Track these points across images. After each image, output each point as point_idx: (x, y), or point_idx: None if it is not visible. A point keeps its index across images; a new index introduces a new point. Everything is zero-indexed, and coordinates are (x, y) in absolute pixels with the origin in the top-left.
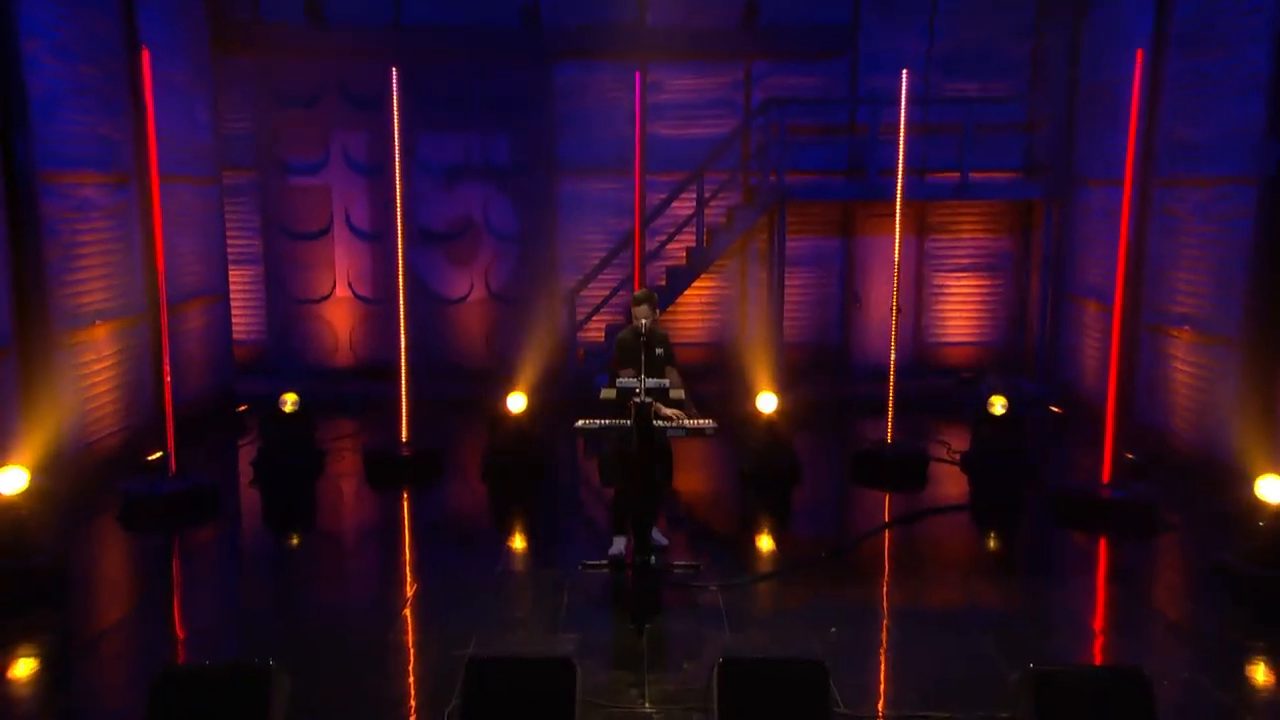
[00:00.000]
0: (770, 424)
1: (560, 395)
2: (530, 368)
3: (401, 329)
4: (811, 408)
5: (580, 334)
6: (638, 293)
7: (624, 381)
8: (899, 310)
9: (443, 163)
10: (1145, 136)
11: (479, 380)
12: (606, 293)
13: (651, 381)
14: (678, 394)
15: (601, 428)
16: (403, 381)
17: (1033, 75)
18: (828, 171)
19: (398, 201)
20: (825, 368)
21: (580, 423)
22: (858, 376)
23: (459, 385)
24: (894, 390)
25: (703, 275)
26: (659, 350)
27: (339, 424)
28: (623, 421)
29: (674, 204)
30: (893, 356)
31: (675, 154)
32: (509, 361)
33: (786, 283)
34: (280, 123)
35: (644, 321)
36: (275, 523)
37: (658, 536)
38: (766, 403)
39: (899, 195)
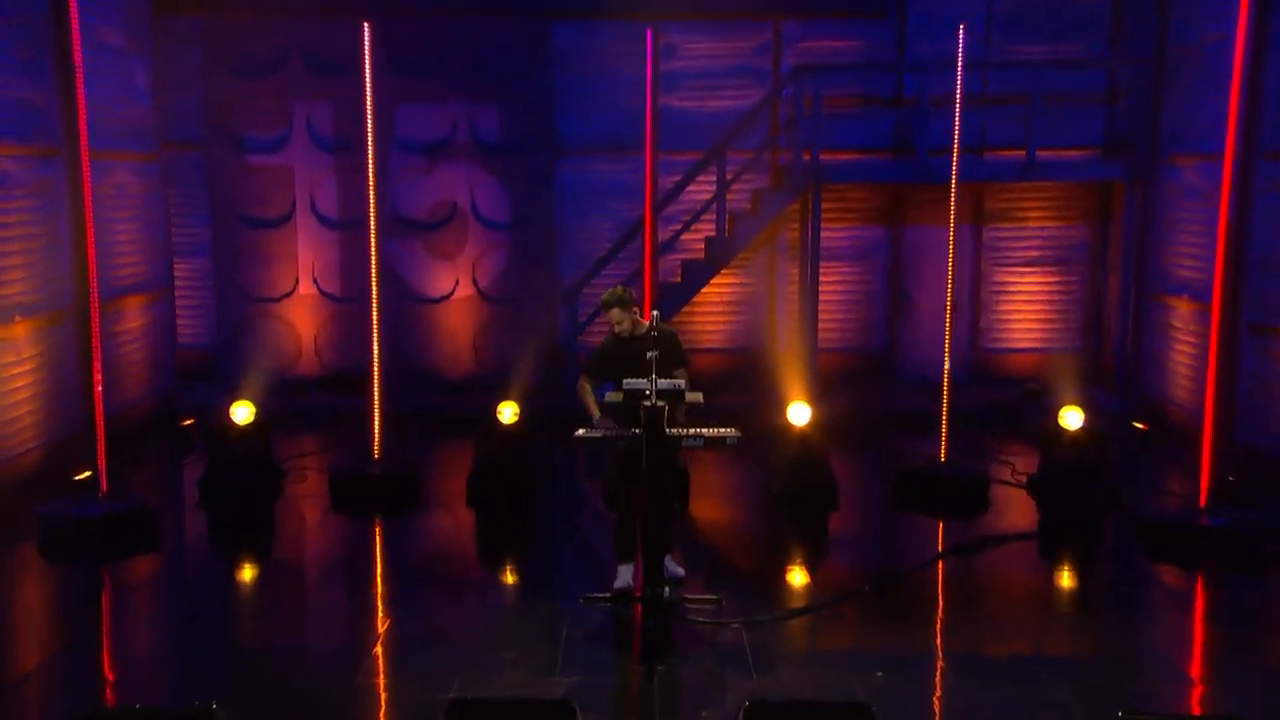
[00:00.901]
0: (803, 439)
1: (558, 408)
2: (524, 377)
3: (374, 332)
4: (850, 422)
5: (582, 338)
6: (603, 297)
7: (631, 383)
8: (954, 307)
9: (423, 139)
10: (1249, 104)
11: (464, 391)
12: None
13: (665, 383)
14: (695, 397)
15: (605, 437)
16: (375, 392)
17: (1113, 35)
18: (870, 150)
19: (371, 184)
20: (867, 377)
21: (580, 432)
22: (905, 387)
23: (441, 397)
24: (948, 401)
25: (724, 270)
26: (654, 353)
27: (301, 440)
28: (629, 431)
29: (691, 188)
30: (946, 363)
31: (692, 129)
32: (499, 370)
33: (822, 279)
34: (233, 92)
35: (622, 327)
36: (224, 552)
37: (672, 567)
38: (799, 414)
39: (954, 177)
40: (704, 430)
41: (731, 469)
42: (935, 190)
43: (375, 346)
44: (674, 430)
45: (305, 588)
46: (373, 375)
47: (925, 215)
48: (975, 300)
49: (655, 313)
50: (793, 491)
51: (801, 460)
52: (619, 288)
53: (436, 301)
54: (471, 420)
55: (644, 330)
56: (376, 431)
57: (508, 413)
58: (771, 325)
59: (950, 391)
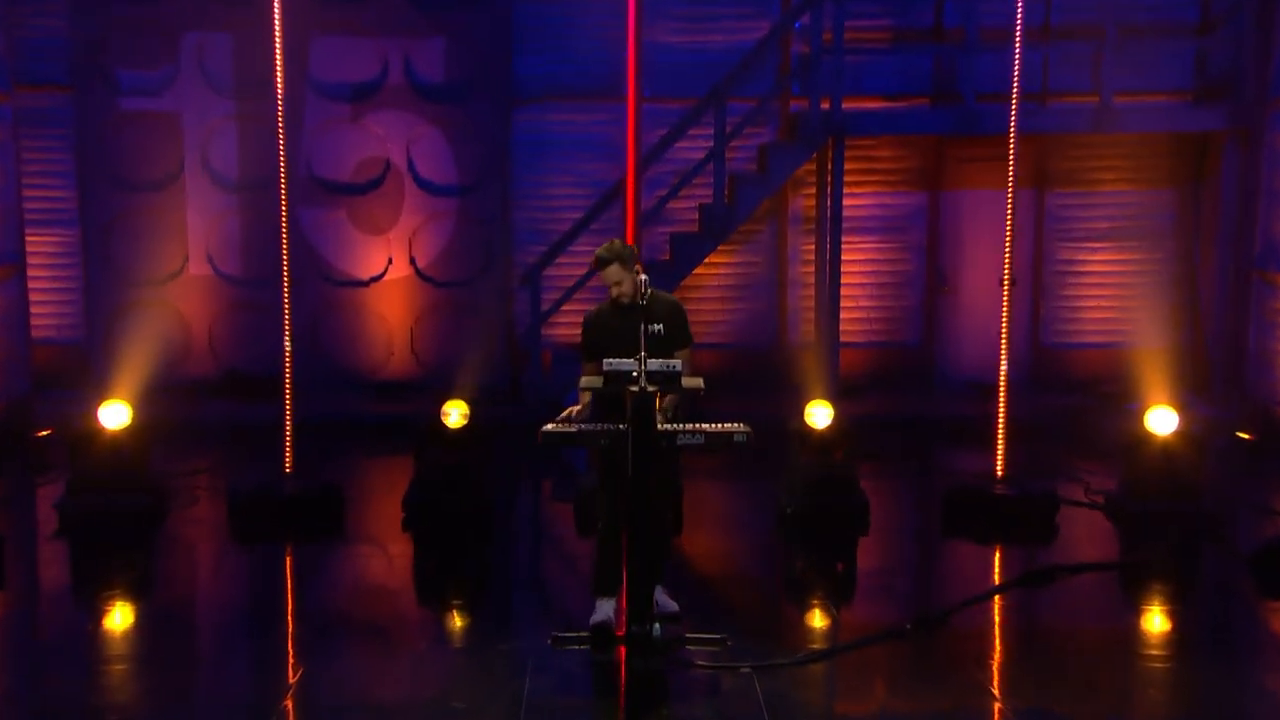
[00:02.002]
0: (825, 448)
1: (517, 417)
2: (474, 379)
3: (285, 323)
4: (881, 431)
5: (547, 330)
6: (598, 252)
7: (613, 362)
8: (1012, 283)
9: (347, 81)
10: None
11: (398, 395)
12: (584, 271)
13: (655, 363)
14: (694, 383)
15: (581, 433)
16: (286, 394)
17: None
18: (903, 96)
19: (280, 137)
20: (899, 378)
21: (549, 427)
22: (946, 390)
23: (369, 403)
24: (1006, 406)
25: (723, 246)
26: (656, 327)
27: (191, 455)
28: (611, 426)
29: (681, 144)
30: (1003, 359)
31: (683, 72)
32: (442, 370)
33: (844, 258)
34: (106, 20)
35: (621, 289)
36: (87, 592)
37: (664, 600)
38: (819, 417)
39: (1011, 128)
40: (704, 425)
41: (736, 484)
42: (984, 145)
43: (287, 341)
44: (667, 425)
45: (191, 637)
46: (284, 376)
47: (971, 177)
48: (1034, 284)
49: (644, 277)
50: (812, 512)
51: (823, 474)
52: (616, 241)
53: (364, 284)
54: (408, 430)
55: (645, 297)
56: (288, 440)
57: (455, 415)
58: (781, 314)
59: (1008, 395)
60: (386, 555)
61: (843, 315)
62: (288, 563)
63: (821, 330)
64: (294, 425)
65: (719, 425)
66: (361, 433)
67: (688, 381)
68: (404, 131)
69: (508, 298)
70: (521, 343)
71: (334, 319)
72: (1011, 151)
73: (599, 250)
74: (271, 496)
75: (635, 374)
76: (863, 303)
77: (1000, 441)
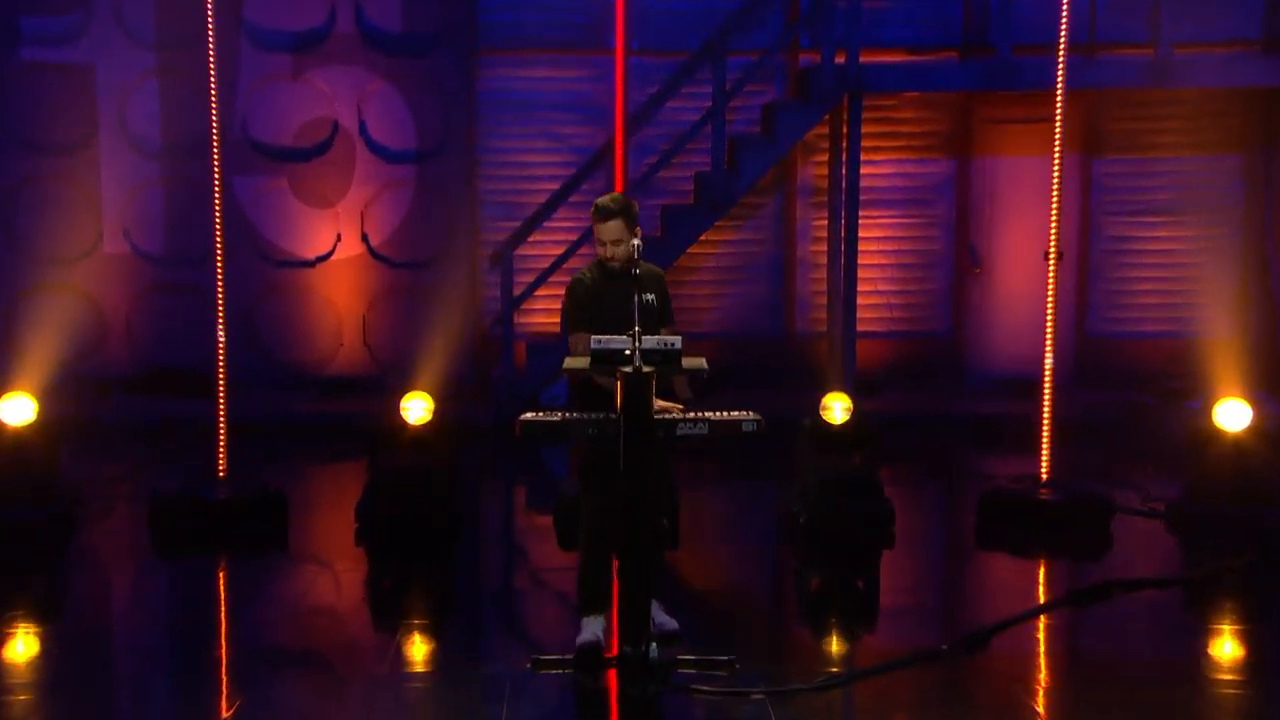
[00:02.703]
0: (842, 447)
1: (486, 416)
2: (435, 374)
3: (219, 309)
4: (903, 431)
5: (520, 319)
6: (601, 201)
7: (604, 340)
8: (1059, 256)
9: (289, 30)
10: None
11: (349, 392)
12: (561, 250)
13: (652, 340)
14: (696, 363)
15: (566, 421)
16: (220, 389)
17: None
18: (929, 49)
19: (211, 94)
20: (924, 372)
21: (528, 416)
22: (977, 384)
23: (315, 401)
24: (1051, 399)
25: (722, 221)
26: (649, 297)
27: (109, 460)
28: (599, 415)
29: (673, 103)
30: (1048, 348)
31: (676, 21)
32: (399, 363)
33: (861, 235)
34: None
35: (615, 250)
36: None
37: (661, 618)
38: (836, 412)
39: (1059, 81)
40: (708, 414)
41: (739, 489)
42: (1022, 104)
43: (221, 331)
44: (664, 412)
45: (108, 664)
46: (217, 370)
47: (1007, 142)
48: (1080, 264)
49: (636, 241)
50: (828, 519)
51: (840, 477)
52: (618, 194)
53: (309, 265)
54: (360, 430)
55: (635, 265)
56: (222, 441)
57: (417, 409)
58: (789, 300)
59: (1052, 387)
60: (337, 571)
61: (860, 301)
62: (221, 579)
63: (835, 318)
64: (228, 424)
65: (724, 413)
66: (306, 434)
67: (688, 362)
68: (354, 88)
69: (474, 281)
70: (490, 333)
71: (274, 304)
72: (1059, 108)
73: (602, 199)
74: (202, 503)
75: (629, 352)
76: (882, 286)
77: (1045, 440)
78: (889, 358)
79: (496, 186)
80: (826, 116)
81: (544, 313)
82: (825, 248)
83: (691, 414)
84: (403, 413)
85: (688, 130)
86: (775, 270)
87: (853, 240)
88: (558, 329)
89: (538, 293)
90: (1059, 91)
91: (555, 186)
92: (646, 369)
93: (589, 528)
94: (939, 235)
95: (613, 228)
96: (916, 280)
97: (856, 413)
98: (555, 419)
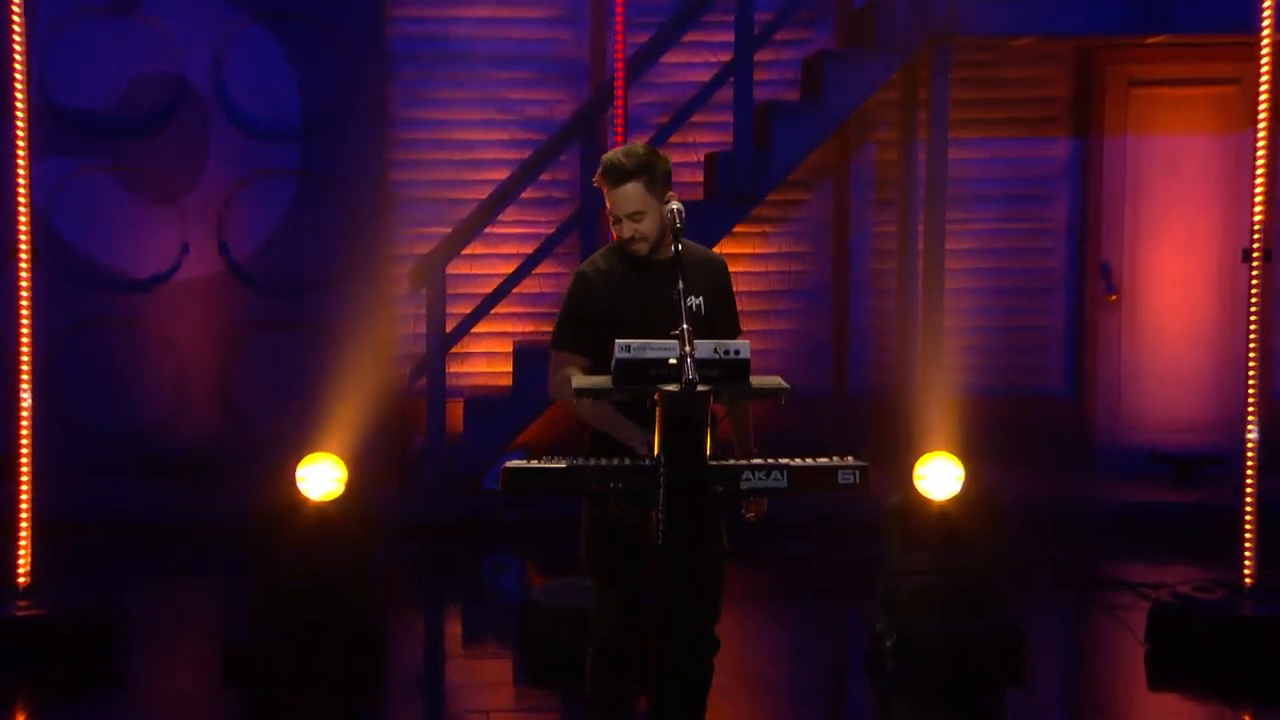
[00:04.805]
0: (947, 534)
1: (410, 508)
2: (332, 446)
3: (22, 354)
4: (1009, 522)
5: (456, 367)
6: (611, 156)
7: (634, 346)
8: (1265, 257)
9: None
10: None
11: (201, 473)
12: (513, 267)
13: (707, 346)
14: (770, 381)
15: (573, 471)
16: (21, 472)
17: None
18: None
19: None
20: (1034, 444)
21: (514, 463)
22: (1114, 462)
23: (150, 486)
24: (1254, 475)
25: (742, 225)
26: (694, 301)
27: None
28: (626, 460)
29: (675, 55)
30: (1252, 397)
31: None
32: (273, 431)
33: (948, 246)
34: None
35: (636, 227)
36: None
37: None
38: (939, 480)
39: (1267, 24)
40: (787, 460)
41: (792, 599)
42: (1183, 58)
43: (24, 384)
44: (722, 458)
45: None
46: (17, 443)
47: (1156, 113)
48: (1264, 296)
49: (675, 205)
50: (929, 644)
51: (945, 582)
52: (640, 145)
53: (141, 289)
54: (221, 528)
55: (676, 242)
56: (23, 540)
57: (322, 479)
58: (839, 339)
59: (1240, 471)
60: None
61: (947, 340)
62: None
63: (911, 363)
64: (32, 519)
65: (808, 459)
66: (142, 533)
67: (760, 381)
68: (211, 32)
69: (387, 312)
70: (410, 387)
71: (87, 347)
72: (1266, 55)
73: (612, 154)
74: None
75: (674, 361)
76: (971, 321)
77: (1248, 533)
78: (981, 423)
79: (419, 176)
80: (897, 74)
81: (489, 356)
82: (893, 264)
83: (759, 460)
84: (298, 486)
85: (697, 93)
86: (819, 295)
87: (938, 254)
88: (508, 380)
89: (479, 327)
90: (1265, 35)
91: (504, 175)
92: (702, 386)
93: (602, 649)
94: (1055, 246)
95: (629, 195)
96: (1020, 310)
97: (969, 481)
98: (558, 466)
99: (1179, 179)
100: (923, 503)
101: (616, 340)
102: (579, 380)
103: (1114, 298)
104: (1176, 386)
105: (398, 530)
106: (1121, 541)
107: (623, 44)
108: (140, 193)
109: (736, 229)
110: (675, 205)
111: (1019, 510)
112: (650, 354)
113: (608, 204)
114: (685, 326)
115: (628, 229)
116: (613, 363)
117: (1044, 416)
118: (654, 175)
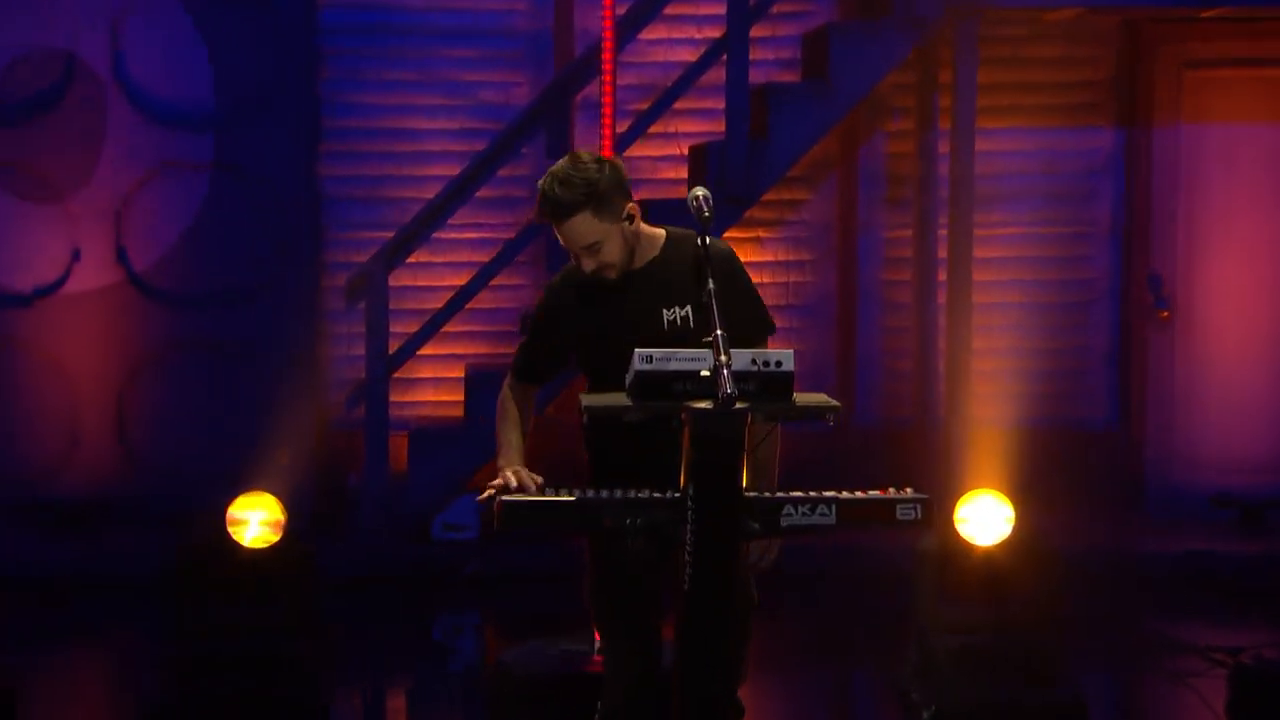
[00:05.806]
0: (995, 582)
1: (346, 559)
2: (253, 486)
3: None
4: (1056, 571)
5: (400, 394)
6: (545, 184)
7: (656, 356)
8: None
9: None
10: None
11: (93, 521)
12: (466, 278)
13: (744, 356)
14: (817, 399)
15: (581, 504)
16: None
17: None
18: None
19: None
20: (1075, 484)
21: (512, 497)
22: (1165, 504)
23: (39, 537)
24: None
25: (734, 229)
26: (681, 313)
27: None
28: (646, 493)
29: (654, 30)
30: None
31: None
32: (182, 471)
33: (976, 254)
34: None
35: (597, 258)
36: None
37: None
38: (985, 523)
39: None
40: (834, 492)
41: (814, 663)
42: (1239, 36)
43: None
44: (758, 489)
45: None
46: None
47: (1215, 100)
48: None
49: (701, 192)
50: (971, 717)
51: (992, 641)
52: (584, 155)
53: (23, 302)
54: (125, 582)
55: (654, 256)
56: None
57: (253, 524)
58: (846, 362)
59: None
60: None
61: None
62: None
63: (930, 391)
64: None
65: (861, 491)
66: (24, 590)
67: (806, 400)
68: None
69: (320, 330)
70: (346, 416)
71: None
72: None
73: (545, 184)
74: None
75: (706, 373)
76: (999, 341)
77: None
78: (1015, 458)
79: (356, 171)
80: (914, 51)
81: (437, 383)
82: (909, 274)
83: (800, 493)
84: (231, 530)
85: (682, 75)
86: (821, 310)
87: (965, 260)
88: (459, 410)
89: (427, 349)
90: None
91: (455, 170)
92: (740, 404)
93: (611, 717)
94: (1097, 254)
95: (578, 229)
96: (1058, 330)
97: (1020, 525)
98: (565, 500)
99: (1240, 175)
100: (964, 548)
101: (636, 350)
102: (587, 399)
103: (1165, 314)
104: (1237, 417)
105: (334, 582)
106: (1181, 595)
107: (611, 7)
108: (21, 189)
109: (727, 234)
110: (701, 192)
111: (1064, 558)
112: (676, 365)
113: (558, 237)
114: (719, 333)
115: (588, 263)
116: (630, 376)
117: (1085, 451)
118: (601, 199)
